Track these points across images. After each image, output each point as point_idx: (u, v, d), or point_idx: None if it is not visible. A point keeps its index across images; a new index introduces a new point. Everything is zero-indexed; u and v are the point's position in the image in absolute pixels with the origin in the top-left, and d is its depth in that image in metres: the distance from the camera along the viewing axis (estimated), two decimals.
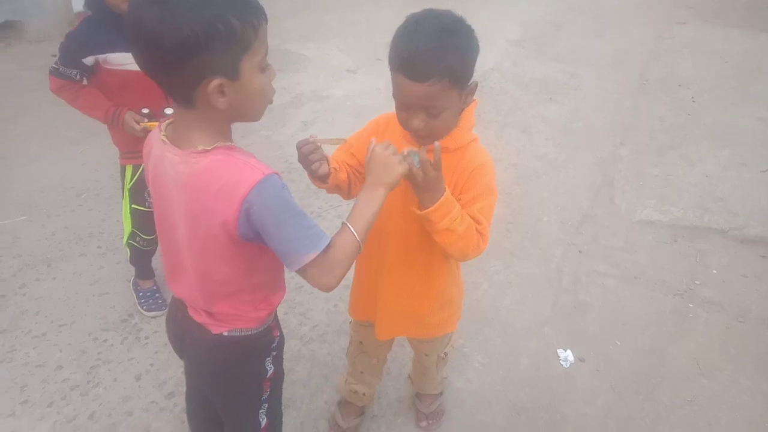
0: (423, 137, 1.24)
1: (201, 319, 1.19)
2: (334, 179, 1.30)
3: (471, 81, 1.23)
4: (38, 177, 3.17)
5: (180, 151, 1.03)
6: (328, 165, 1.25)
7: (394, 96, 1.22)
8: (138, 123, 1.92)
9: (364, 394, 1.89)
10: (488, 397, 2.10)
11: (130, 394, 2.03)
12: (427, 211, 1.19)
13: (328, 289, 1.06)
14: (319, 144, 1.22)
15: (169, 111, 2.05)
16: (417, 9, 1.25)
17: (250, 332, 1.21)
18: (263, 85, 1.03)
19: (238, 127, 1.11)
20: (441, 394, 2.03)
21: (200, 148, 1.01)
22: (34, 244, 2.69)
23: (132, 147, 2.05)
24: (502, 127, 3.87)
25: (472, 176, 1.28)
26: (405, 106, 1.21)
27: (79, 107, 1.95)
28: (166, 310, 2.40)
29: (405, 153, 1.17)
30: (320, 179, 1.26)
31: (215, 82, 0.94)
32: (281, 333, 1.32)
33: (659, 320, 2.46)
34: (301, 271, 1.03)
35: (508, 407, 2.07)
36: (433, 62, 1.12)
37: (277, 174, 1.02)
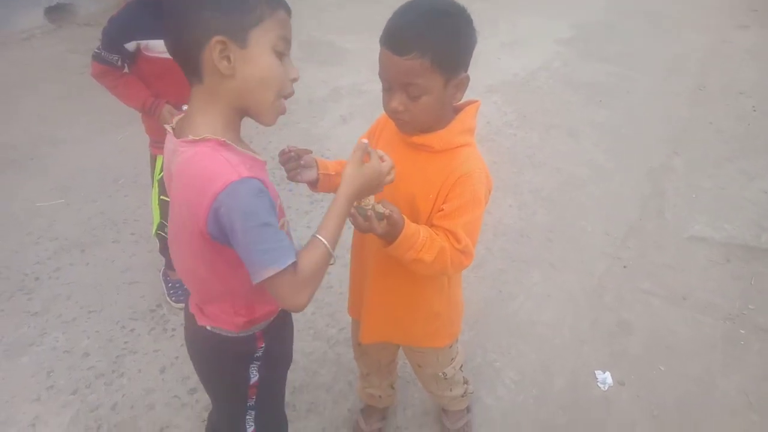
0: (404, 123, 1.20)
1: (193, 309, 1.20)
2: (326, 184, 1.35)
3: (461, 73, 1.17)
4: (79, 159, 3.21)
5: (177, 140, 1.01)
6: (317, 171, 1.32)
7: (379, 75, 1.18)
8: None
9: (380, 397, 1.82)
10: (519, 417, 1.99)
11: (153, 386, 2.01)
12: (387, 248, 1.17)
13: (295, 309, 0.99)
14: (293, 154, 1.29)
15: None
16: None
17: (229, 334, 1.17)
18: (273, 67, 1.00)
19: (279, 118, 1.07)
20: (468, 410, 1.94)
21: (190, 137, 0.97)
22: (69, 228, 2.71)
23: (164, 136, 2.02)
24: (547, 129, 3.71)
25: (458, 184, 1.20)
26: (386, 84, 1.17)
27: (117, 95, 1.93)
28: None
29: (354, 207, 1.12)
30: (310, 185, 1.34)
31: (217, 38, 0.93)
32: (271, 345, 1.25)
33: (708, 346, 2.30)
34: (266, 286, 0.96)
35: (540, 430, 1.96)
36: (416, 36, 1.09)
37: (258, 179, 0.95)
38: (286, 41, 1.01)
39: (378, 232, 1.12)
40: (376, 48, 1.16)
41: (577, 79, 4.46)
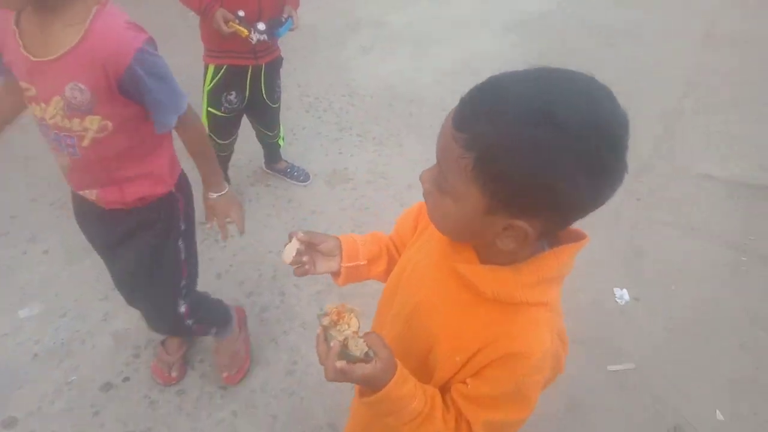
0: (428, 208, 0.80)
1: None
2: (354, 275, 1.02)
3: (522, 218, 0.69)
4: None
5: None
6: (339, 263, 1.00)
7: None
8: (226, 22, 1.93)
9: None
10: None
11: (215, 290, 2.13)
12: (359, 398, 0.82)
13: None
14: (301, 247, 0.96)
15: (261, 26, 2.05)
16: None
17: None
18: None
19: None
20: None
21: None
22: None
23: (216, 46, 2.07)
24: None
25: (503, 363, 0.77)
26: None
27: None
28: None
29: (320, 314, 0.79)
30: (332, 276, 1.03)
31: None
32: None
33: (715, 271, 2.52)
34: None
35: None
36: (482, 120, 0.66)
37: None
38: None
39: (333, 378, 0.75)
40: None
41: (590, 21, 4.53)
